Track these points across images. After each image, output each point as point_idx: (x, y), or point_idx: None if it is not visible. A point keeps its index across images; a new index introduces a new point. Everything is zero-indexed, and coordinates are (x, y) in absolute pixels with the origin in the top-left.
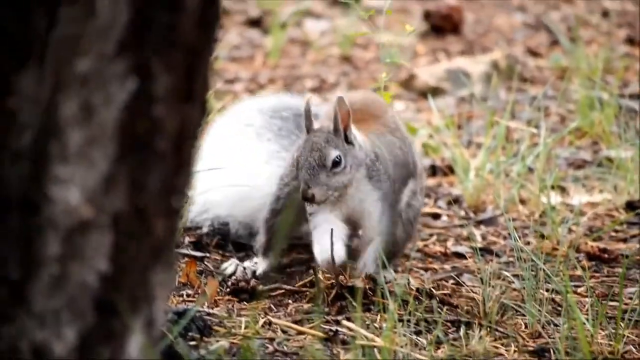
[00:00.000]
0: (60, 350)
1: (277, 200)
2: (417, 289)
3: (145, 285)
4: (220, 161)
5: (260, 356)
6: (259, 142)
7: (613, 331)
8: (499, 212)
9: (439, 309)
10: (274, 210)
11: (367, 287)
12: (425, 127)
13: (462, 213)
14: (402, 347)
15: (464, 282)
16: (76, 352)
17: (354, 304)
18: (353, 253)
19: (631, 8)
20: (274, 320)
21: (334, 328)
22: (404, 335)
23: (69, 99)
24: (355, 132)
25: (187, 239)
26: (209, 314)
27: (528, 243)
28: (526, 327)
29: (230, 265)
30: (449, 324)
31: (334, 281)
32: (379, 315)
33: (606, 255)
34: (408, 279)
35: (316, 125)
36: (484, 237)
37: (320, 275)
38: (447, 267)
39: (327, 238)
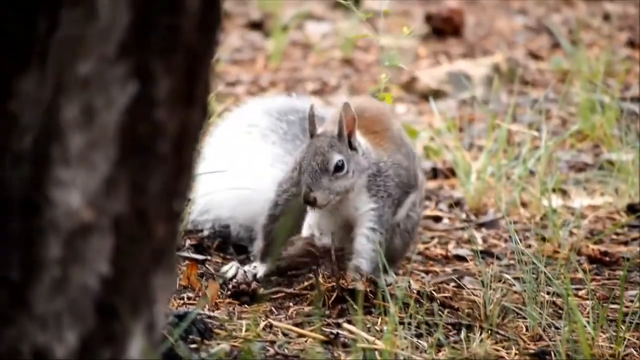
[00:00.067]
0: (61, 353)
1: (275, 207)
2: (418, 292)
3: (146, 288)
4: (224, 162)
5: (261, 359)
6: (264, 144)
7: (614, 334)
8: (500, 214)
9: (439, 312)
10: (272, 216)
11: (367, 289)
12: (426, 129)
13: (463, 216)
14: (403, 350)
15: (465, 285)
16: (77, 355)
17: (355, 306)
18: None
19: (632, 11)
20: (274, 323)
21: (334, 331)
22: (405, 338)
23: (70, 101)
24: (360, 139)
25: (188, 242)
26: (209, 317)
27: (529, 246)
28: (527, 329)
29: (231, 268)
30: (449, 326)
31: (334, 284)
32: (379, 318)
33: (607, 258)
34: (409, 282)
35: (320, 129)
36: (485, 240)
37: (320, 279)
38: (448, 269)
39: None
